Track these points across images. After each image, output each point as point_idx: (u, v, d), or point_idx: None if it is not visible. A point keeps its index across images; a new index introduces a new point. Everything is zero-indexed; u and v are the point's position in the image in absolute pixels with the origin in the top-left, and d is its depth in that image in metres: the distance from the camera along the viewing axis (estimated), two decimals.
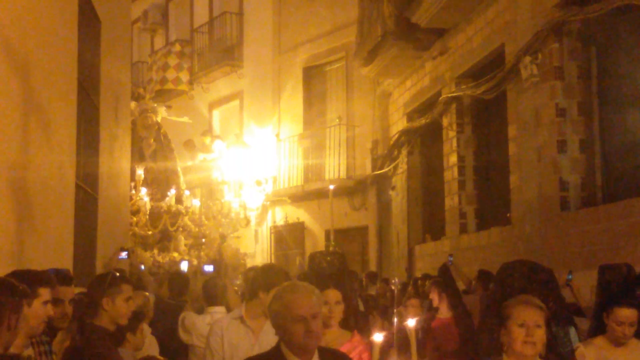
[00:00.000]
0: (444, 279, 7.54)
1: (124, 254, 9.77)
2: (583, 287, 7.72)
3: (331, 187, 14.94)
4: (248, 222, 17.60)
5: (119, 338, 5.21)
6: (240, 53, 20.98)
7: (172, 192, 13.92)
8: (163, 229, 13.74)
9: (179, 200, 14.10)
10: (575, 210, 9.14)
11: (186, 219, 14.06)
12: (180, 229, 14.09)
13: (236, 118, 21.07)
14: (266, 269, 4.96)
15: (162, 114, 14.93)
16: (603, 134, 9.22)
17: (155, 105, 15.29)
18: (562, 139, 9.28)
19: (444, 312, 7.30)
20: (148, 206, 13.28)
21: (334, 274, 4.63)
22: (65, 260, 6.60)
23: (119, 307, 4.37)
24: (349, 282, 4.80)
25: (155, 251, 13.52)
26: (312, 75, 18.83)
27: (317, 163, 17.85)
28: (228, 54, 21.21)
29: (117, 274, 4.51)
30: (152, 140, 14.96)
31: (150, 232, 13.47)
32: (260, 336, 4.71)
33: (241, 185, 17.91)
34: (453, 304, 7.25)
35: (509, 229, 10.51)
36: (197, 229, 14.43)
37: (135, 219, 13.21)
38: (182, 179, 15.18)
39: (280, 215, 18.75)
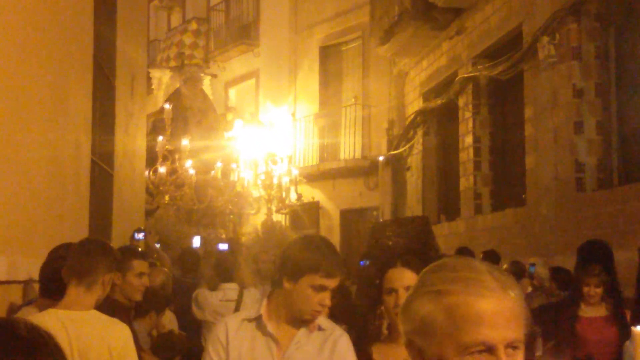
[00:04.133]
0: (604, 263, 5.57)
1: (140, 235, 9.78)
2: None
3: (380, 158, 14.88)
4: (299, 196, 16.36)
5: (142, 311, 5.29)
6: (257, 32, 20.95)
7: (218, 164, 13.36)
8: (209, 204, 13.21)
9: (225, 173, 13.54)
10: (591, 192, 9.10)
11: (233, 193, 13.48)
12: (227, 204, 13.57)
13: (252, 97, 21.07)
14: (301, 243, 3.03)
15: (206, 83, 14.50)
16: (620, 116, 9.16)
17: (203, 74, 14.92)
18: (578, 120, 9.22)
19: (592, 310, 5.46)
20: (194, 179, 12.66)
21: (408, 247, 3.30)
22: (80, 237, 6.64)
23: (130, 282, 4.42)
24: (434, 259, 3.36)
25: (201, 227, 13.11)
26: (329, 55, 18.78)
27: (333, 143, 17.84)
28: (244, 32, 21.19)
29: (129, 249, 4.54)
30: (197, 109, 14.54)
31: (195, 207, 12.97)
32: (288, 353, 2.99)
33: (256, 164, 17.87)
34: (615, 298, 5.51)
35: (524, 210, 10.48)
36: (244, 204, 13.86)
37: (180, 192, 12.75)
38: (228, 150, 14.63)
39: (294, 195, 18.75)
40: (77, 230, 6.51)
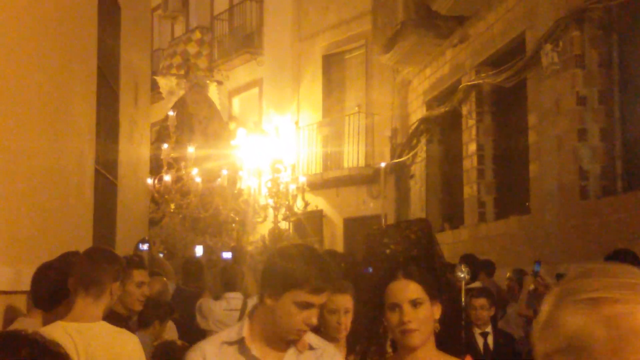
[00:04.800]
0: None
1: (145, 246, 9.76)
2: None
3: (382, 164, 14.88)
4: (307, 204, 16.07)
5: (145, 321, 5.28)
6: (260, 41, 20.98)
7: (224, 172, 13.26)
8: (215, 212, 13.10)
9: (231, 181, 13.45)
10: (595, 200, 9.08)
11: (239, 201, 13.42)
12: (232, 212, 13.50)
13: (255, 106, 21.09)
14: (284, 254, 2.69)
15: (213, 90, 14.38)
16: (624, 123, 9.15)
17: (208, 81, 14.82)
18: (582, 128, 9.21)
19: None
20: (200, 187, 12.50)
21: (409, 254, 2.72)
22: (84, 246, 6.63)
23: (130, 292, 4.41)
24: (440, 271, 2.79)
25: (207, 236, 12.96)
26: (332, 63, 18.80)
27: (336, 151, 17.85)
28: (248, 41, 21.22)
29: (128, 259, 4.52)
30: (202, 117, 14.47)
31: (201, 216, 12.87)
32: None
33: (260, 173, 17.86)
34: None
35: (528, 218, 10.46)
36: (249, 212, 13.74)
37: (185, 200, 12.63)
38: (234, 158, 14.52)
39: (299, 203, 18.74)
40: (81, 239, 6.51)
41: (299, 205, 15.83)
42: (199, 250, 10.62)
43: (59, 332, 3.15)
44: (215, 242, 12.87)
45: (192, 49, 22.01)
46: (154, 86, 19.90)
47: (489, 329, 6.31)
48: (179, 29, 24.44)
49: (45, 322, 3.51)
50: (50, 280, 3.62)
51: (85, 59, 6.94)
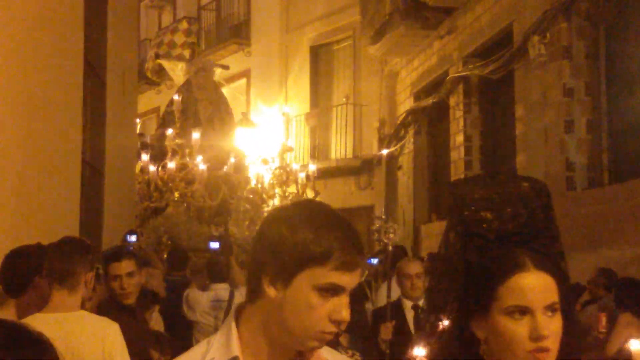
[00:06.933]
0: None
1: (133, 237, 9.67)
2: (588, 267, 7.75)
3: (384, 151, 14.83)
4: (317, 193, 14.95)
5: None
6: (248, 31, 20.90)
7: (231, 160, 12.99)
8: (221, 201, 12.81)
9: (238, 169, 13.17)
10: (582, 191, 9.12)
11: (247, 188, 13.10)
12: (241, 201, 13.16)
13: (243, 96, 21.03)
14: (292, 216, 1.69)
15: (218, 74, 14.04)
16: (610, 115, 9.19)
17: (217, 63, 14.44)
18: (569, 119, 9.25)
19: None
20: (205, 175, 12.23)
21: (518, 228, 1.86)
22: None
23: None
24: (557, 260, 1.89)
25: (213, 226, 12.69)
26: (320, 54, 18.77)
27: (324, 142, 17.83)
28: (235, 32, 21.14)
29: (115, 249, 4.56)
30: (208, 102, 14.17)
31: (207, 205, 12.54)
32: None
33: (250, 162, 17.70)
34: None
35: None
36: (259, 201, 13.42)
37: (190, 189, 12.33)
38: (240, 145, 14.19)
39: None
40: (67, 231, 6.48)
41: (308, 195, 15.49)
42: (215, 245, 10.09)
43: (39, 323, 3.13)
44: (221, 232, 12.59)
45: (178, 38, 21.88)
46: (142, 76, 19.82)
47: (422, 302, 5.42)
48: (166, 19, 24.33)
49: (18, 311, 3.49)
50: (17, 267, 3.57)
51: (72, 49, 6.90)
